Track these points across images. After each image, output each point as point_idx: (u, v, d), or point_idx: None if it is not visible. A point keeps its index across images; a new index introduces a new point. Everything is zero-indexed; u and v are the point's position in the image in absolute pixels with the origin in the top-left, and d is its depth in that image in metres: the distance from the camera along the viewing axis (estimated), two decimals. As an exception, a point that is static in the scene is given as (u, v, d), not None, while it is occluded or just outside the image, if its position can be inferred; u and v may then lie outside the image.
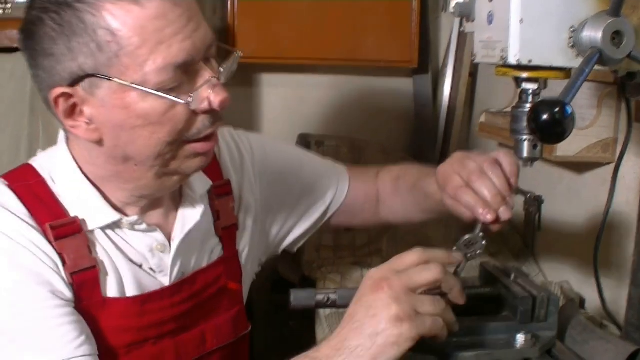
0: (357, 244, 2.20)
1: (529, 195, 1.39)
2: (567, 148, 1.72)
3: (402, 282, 1.04)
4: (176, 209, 1.32)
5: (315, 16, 2.47)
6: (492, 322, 1.21)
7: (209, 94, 1.13)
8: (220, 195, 1.40)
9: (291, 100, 2.66)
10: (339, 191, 1.63)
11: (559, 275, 1.99)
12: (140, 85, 1.08)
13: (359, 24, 2.50)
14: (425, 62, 2.64)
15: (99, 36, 1.06)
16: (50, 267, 1.14)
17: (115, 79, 1.07)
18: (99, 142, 1.15)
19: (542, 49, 1.10)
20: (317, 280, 1.96)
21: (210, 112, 1.16)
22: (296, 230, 1.61)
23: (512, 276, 1.28)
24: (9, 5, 2.18)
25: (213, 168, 1.38)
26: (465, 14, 1.22)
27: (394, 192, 1.62)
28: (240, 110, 2.58)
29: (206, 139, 1.18)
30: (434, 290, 1.08)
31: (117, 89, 1.09)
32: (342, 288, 1.22)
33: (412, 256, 1.09)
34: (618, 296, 1.68)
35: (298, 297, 1.20)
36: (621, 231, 1.71)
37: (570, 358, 1.20)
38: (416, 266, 1.07)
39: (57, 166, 1.22)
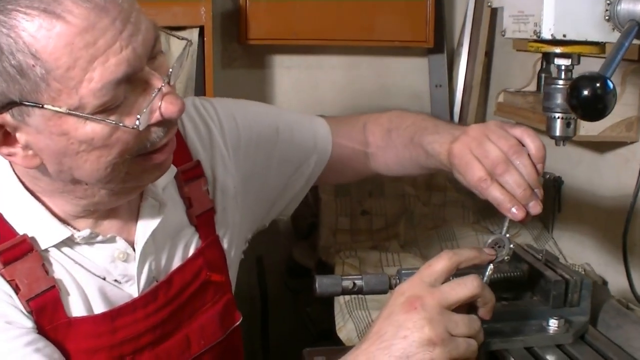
0: (374, 228, 2.18)
1: (548, 177, 1.35)
2: (590, 127, 1.69)
3: (435, 300, 0.97)
4: (137, 209, 1.19)
5: (328, -4, 2.43)
6: (523, 306, 1.18)
7: (159, 104, 1.00)
8: (190, 179, 1.26)
9: (304, 82, 2.62)
10: (322, 152, 1.50)
11: (579, 258, 1.96)
12: (77, 111, 0.94)
13: (373, 3, 2.46)
14: (440, 42, 2.61)
15: (19, 60, 0.91)
16: (1, 298, 1.04)
17: (48, 106, 0.93)
18: (41, 167, 1.02)
19: (576, 22, 1.07)
20: (335, 265, 1.93)
21: (162, 123, 1.03)
22: (282, 200, 1.49)
23: (543, 259, 1.24)
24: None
25: (179, 150, 1.18)
26: (494, -13, 1.19)
27: (386, 145, 1.49)
28: (252, 93, 2.54)
29: (161, 148, 1.06)
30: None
31: (51, 116, 0.95)
32: (368, 273, 1.17)
33: (441, 263, 1.02)
34: (645, 278, 1.66)
35: (323, 284, 1.15)
36: (646, 212, 1.68)
37: (605, 344, 1.16)
38: (447, 273, 1.02)
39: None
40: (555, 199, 2.06)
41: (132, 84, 0.98)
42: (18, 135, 0.98)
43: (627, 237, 1.62)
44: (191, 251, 1.26)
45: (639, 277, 1.66)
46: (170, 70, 1.02)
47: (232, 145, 1.37)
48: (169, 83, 1.02)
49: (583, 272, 1.74)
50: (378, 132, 1.51)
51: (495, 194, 1.12)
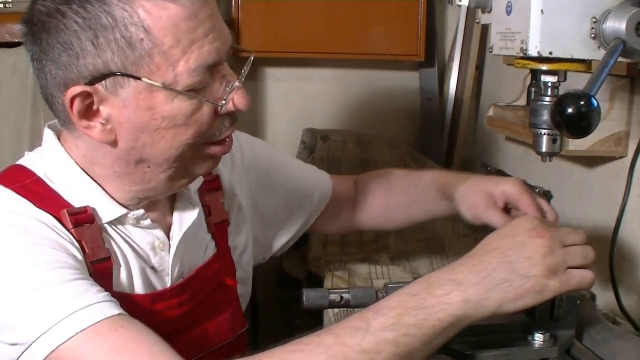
0: (364, 240, 2.18)
1: (537, 190, 1.37)
2: (579, 142, 1.69)
3: (560, 235, 1.06)
4: (171, 207, 1.27)
5: (320, 9, 2.44)
6: (509, 320, 1.18)
7: (232, 96, 1.12)
8: (210, 190, 1.36)
9: (296, 95, 2.62)
10: (323, 194, 1.61)
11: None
12: (171, 86, 1.04)
13: (365, 17, 2.47)
14: (431, 55, 2.61)
15: (131, 32, 1.01)
16: (71, 245, 1.08)
17: (145, 79, 1.03)
18: (113, 144, 1.10)
19: (563, 40, 1.08)
20: (325, 277, 1.93)
21: (230, 114, 1.14)
22: (282, 235, 1.58)
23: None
24: (9, 0, 2.15)
25: None
26: (482, 4, 1.20)
27: (375, 190, 1.61)
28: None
29: (223, 141, 1.16)
30: None
31: (143, 89, 1.04)
32: (355, 287, 1.18)
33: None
34: (632, 293, 1.66)
35: (310, 297, 1.16)
36: (634, 226, 1.69)
37: (590, 358, 1.17)
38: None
39: (51, 164, 1.16)
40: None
41: (213, 75, 1.10)
42: (102, 108, 1.06)
43: (615, 251, 1.63)
44: (208, 255, 1.33)
45: (625, 291, 1.67)
46: (244, 70, 1.15)
47: (248, 169, 1.47)
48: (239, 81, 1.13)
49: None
50: (368, 178, 1.64)
51: None
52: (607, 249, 1.61)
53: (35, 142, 2.10)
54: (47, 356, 0.97)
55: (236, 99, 1.12)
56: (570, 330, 1.19)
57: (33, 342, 0.97)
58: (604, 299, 1.74)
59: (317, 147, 2.31)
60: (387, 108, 2.67)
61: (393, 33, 2.50)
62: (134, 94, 1.04)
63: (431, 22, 2.59)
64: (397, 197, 1.58)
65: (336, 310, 1.70)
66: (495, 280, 1.01)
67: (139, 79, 1.03)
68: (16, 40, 2.15)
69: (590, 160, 1.86)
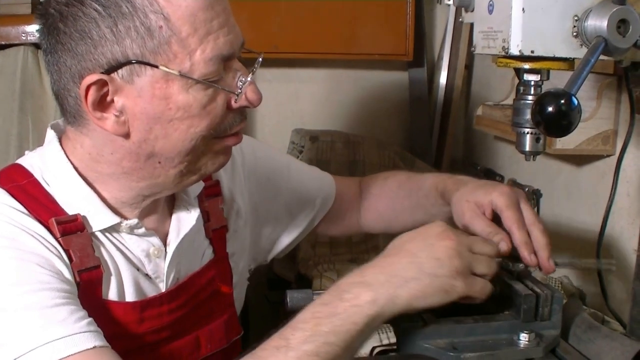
0: (354, 241, 2.18)
1: (527, 189, 1.37)
2: (566, 141, 1.70)
3: (468, 241, 1.13)
4: (170, 213, 1.27)
5: (308, 9, 2.43)
6: (494, 321, 1.18)
7: (245, 90, 1.12)
8: (209, 196, 1.35)
9: (285, 95, 2.61)
10: (326, 197, 1.60)
11: (558, 270, 1.96)
12: (187, 75, 1.05)
13: (353, 17, 2.46)
14: (420, 55, 2.61)
15: (151, 20, 1.02)
16: (58, 258, 1.07)
17: (162, 67, 1.03)
18: (125, 136, 1.09)
19: (544, 38, 1.08)
20: (313, 278, 1.93)
21: (241, 109, 1.15)
22: (285, 238, 1.58)
23: (515, 273, 1.24)
24: (-3, 3, 2.15)
25: None
26: (465, 3, 1.20)
27: (380, 193, 1.62)
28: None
29: (234, 134, 1.16)
30: None
31: (159, 78, 1.05)
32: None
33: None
34: (620, 291, 1.66)
35: (294, 299, 1.16)
36: (622, 224, 1.69)
37: (576, 357, 1.17)
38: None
39: (49, 167, 1.15)
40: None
41: (226, 70, 1.10)
42: (116, 98, 1.06)
43: (601, 250, 1.63)
44: (205, 261, 1.32)
45: (613, 290, 1.67)
46: (255, 67, 1.15)
47: (248, 174, 1.47)
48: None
49: (560, 285, 1.74)
50: (372, 182, 1.64)
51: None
52: (594, 247, 1.61)
53: (22, 145, 2.11)
54: None
55: (249, 94, 1.12)
56: (556, 330, 1.19)
57: None
58: (592, 297, 1.74)
59: (305, 147, 2.30)
60: (376, 108, 2.67)
61: (382, 33, 2.49)
62: (150, 82, 1.05)
63: (420, 22, 2.58)
64: (402, 201, 1.57)
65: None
66: (404, 279, 1.05)
67: (156, 67, 1.03)
68: (3, 42, 2.15)
69: (578, 159, 1.87)
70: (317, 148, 2.31)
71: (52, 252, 1.07)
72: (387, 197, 1.60)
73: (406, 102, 2.68)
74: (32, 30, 2.12)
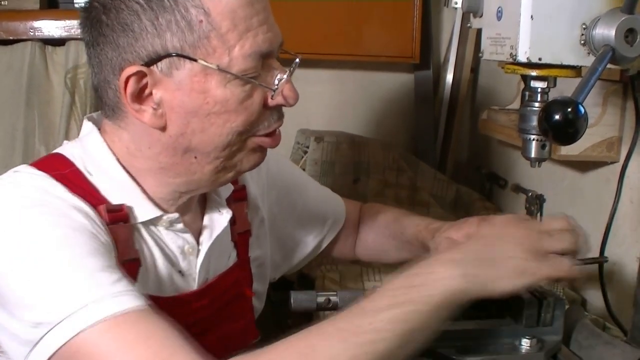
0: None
1: (530, 194, 1.37)
2: (571, 147, 1.69)
3: (538, 225, 1.19)
4: (202, 213, 1.28)
5: (316, 10, 2.43)
6: (496, 326, 1.19)
7: (282, 89, 1.13)
8: (236, 199, 1.36)
9: (290, 95, 2.60)
10: (337, 219, 1.61)
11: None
12: (226, 70, 1.06)
13: (360, 18, 2.46)
14: (426, 58, 2.61)
15: (191, 14, 1.03)
16: (106, 243, 1.06)
17: (201, 61, 1.05)
18: (163, 129, 1.10)
19: (552, 46, 1.08)
20: (316, 279, 1.93)
21: (278, 107, 1.15)
22: (294, 255, 1.58)
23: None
24: (5, -3, 2.15)
25: None
26: (473, 9, 1.20)
27: (370, 227, 1.63)
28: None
29: (272, 134, 1.17)
30: None
31: (198, 72, 1.06)
32: (343, 290, 1.19)
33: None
34: (622, 298, 1.66)
35: (298, 299, 1.17)
36: (625, 231, 1.69)
37: (577, 363, 1.17)
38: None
39: (92, 158, 1.15)
40: (537, 217, 2.06)
41: (264, 68, 1.11)
42: (154, 91, 1.07)
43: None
44: (230, 263, 1.33)
45: (615, 296, 1.67)
46: (292, 67, 1.16)
47: (271, 183, 1.48)
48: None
49: (562, 291, 1.75)
50: (367, 214, 1.65)
51: None
52: (597, 254, 1.61)
53: (29, 140, 2.11)
54: (69, 340, 0.94)
55: (286, 92, 1.13)
56: (558, 335, 1.19)
57: (58, 323, 0.95)
58: (594, 304, 1.75)
59: (310, 148, 2.30)
60: (381, 110, 2.67)
61: (388, 35, 2.49)
62: (188, 76, 1.06)
63: (426, 25, 2.58)
64: (388, 240, 1.58)
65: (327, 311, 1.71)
66: (487, 261, 1.06)
67: (195, 60, 1.05)
68: (11, 37, 2.15)
69: (583, 165, 1.87)
70: (322, 149, 2.31)
71: (101, 231, 1.07)
72: (375, 233, 1.62)
73: (411, 104, 2.69)
74: (40, 25, 2.12)
